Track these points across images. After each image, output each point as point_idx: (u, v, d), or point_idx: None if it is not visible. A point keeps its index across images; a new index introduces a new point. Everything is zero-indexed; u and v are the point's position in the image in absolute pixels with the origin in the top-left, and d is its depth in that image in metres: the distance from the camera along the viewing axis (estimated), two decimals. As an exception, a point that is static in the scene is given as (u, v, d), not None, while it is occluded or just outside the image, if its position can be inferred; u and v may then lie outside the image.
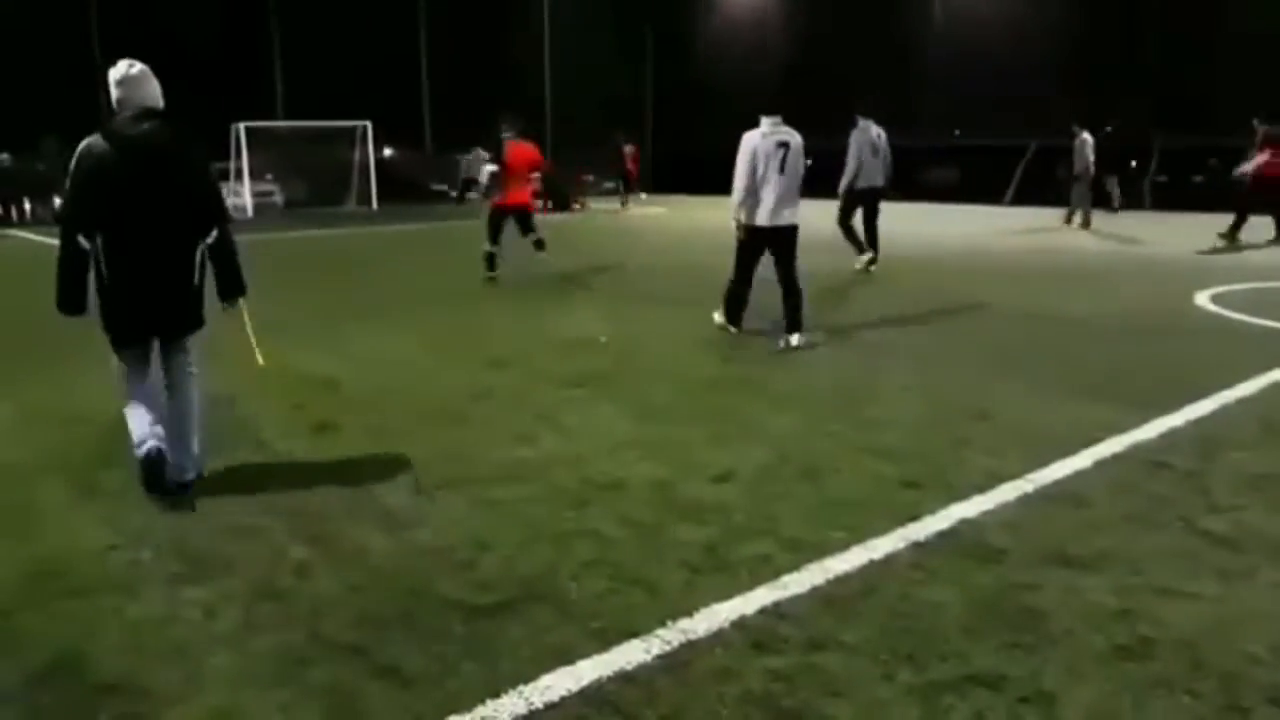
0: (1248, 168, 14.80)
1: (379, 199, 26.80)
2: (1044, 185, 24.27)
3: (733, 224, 7.75)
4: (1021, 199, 24.65)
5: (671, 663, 2.97)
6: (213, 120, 24.31)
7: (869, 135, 11.92)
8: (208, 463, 4.76)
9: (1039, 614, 3.24)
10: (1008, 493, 4.38)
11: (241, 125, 24.58)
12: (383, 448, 5.18)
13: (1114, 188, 21.71)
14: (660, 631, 3.14)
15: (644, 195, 29.67)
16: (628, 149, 27.64)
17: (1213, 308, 9.28)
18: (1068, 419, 5.50)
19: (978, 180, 25.42)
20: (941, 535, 3.91)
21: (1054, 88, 24.08)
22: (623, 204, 26.49)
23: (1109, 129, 26.59)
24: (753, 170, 7.46)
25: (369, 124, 26.67)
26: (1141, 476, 4.57)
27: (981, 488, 4.43)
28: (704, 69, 33.31)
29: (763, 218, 7.54)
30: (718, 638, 3.11)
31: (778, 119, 7.62)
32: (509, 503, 4.33)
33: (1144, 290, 10.54)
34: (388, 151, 29.84)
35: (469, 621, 3.24)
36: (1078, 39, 24.71)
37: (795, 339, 7.62)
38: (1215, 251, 14.42)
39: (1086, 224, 18.34)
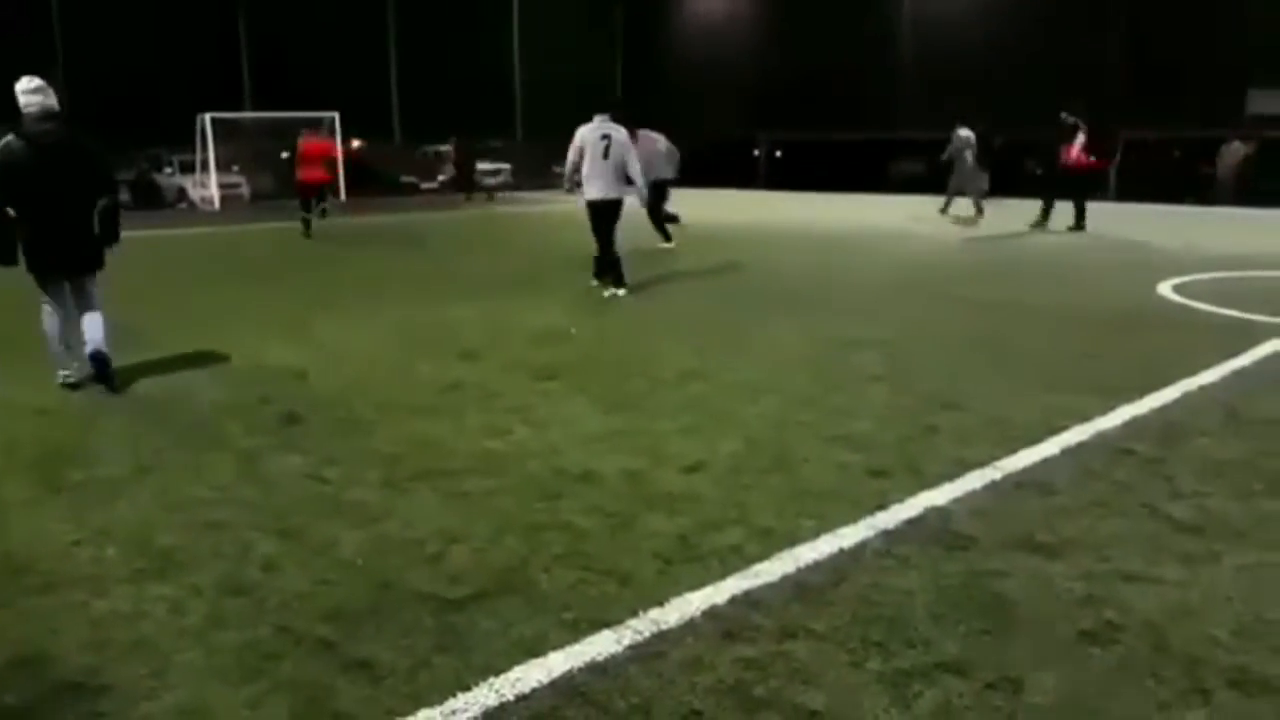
0: (1072, 156, 16.43)
1: (347, 191, 26.56)
2: (1012, 178, 24.45)
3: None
4: (989, 191, 24.77)
5: (643, 653, 2.97)
6: (178, 111, 24.07)
7: (646, 135, 13.77)
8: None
9: (1007, 601, 3.27)
10: (975, 481, 4.41)
11: (207, 116, 24.27)
12: (351, 440, 5.14)
13: (982, 184, 23.12)
14: (632, 622, 3.14)
15: None
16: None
17: (1176, 298, 9.41)
18: (1035, 408, 5.56)
19: (947, 172, 25.50)
20: (910, 523, 3.94)
21: (1023, 81, 24.27)
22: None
23: (1069, 119, 26.76)
24: (578, 155, 9.63)
25: (336, 115, 26.42)
26: (1107, 464, 4.62)
27: (950, 476, 4.47)
28: (674, 62, 33.28)
29: (590, 194, 9.71)
30: (689, 627, 3.12)
31: (606, 116, 9.67)
32: (479, 495, 4.31)
33: (1109, 280, 10.66)
34: (356, 143, 29.60)
35: (439, 614, 3.23)
36: (1048, 33, 24.92)
37: (620, 291, 9.80)
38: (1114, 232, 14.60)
39: (944, 207, 19.43)
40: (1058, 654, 2.94)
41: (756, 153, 26.09)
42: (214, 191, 24.63)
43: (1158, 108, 23.53)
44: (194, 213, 23.95)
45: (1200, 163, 22.73)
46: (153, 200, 25.10)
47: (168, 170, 25.73)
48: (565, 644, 3.02)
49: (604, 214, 9.72)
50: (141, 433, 5.35)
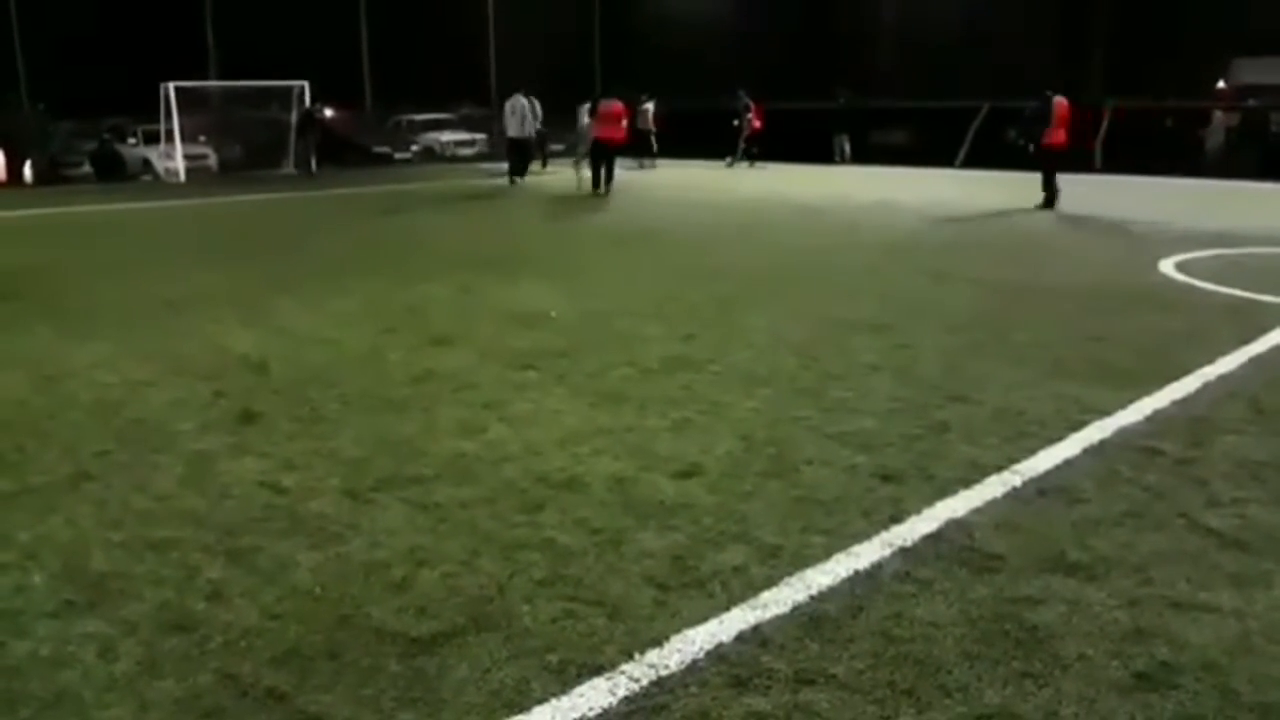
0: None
1: (318, 161, 25.82)
2: (997, 148, 24.08)
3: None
4: (973, 162, 24.46)
5: (642, 706, 2.59)
6: (142, 80, 23.25)
7: (510, 104, 20.91)
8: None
9: (1047, 634, 2.91)
10: (995, 487, 4.06)
11: (171, 85, 23.43)
12: (312, 441, 4.71)
13: (845, 145, 26.41)
14: (627, 666, 2.76)
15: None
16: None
17: (1180, 277, 9.06)
18: (1048, 400, 5.21)
19: (930, 142, 25.11)
20: (929, 539, 3.57)
21: (1009, 50, 23.89)
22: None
23: (1047, 93, 26.46)
24: (512, 112, 20.46)
25: (306, 84, 25.64)
26: (1133, 466, 4.27)
27: (966, 481, 4.11)
28: (653, 29, 32.63)
29: (511, 134, 20.66)
30: (693, 672, 2.74)
31: (521, 92, 20.45)
32: (452, 506, 3.91)
33: (1109, 258, 10.33)
34: (327, 112, 28.81)
35: (406, 657, 2.83)
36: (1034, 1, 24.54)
37: (514, 180, 20.36)
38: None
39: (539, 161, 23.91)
40: (1111, 702, 2.59)
41: (736, 122, 25.55)
42: (179, 163, 23.84)
43: (1143, 77, 23.22)
44: (159, 185, 23.19)
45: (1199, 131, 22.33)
46: (115, 172, 24.30)
47: (131, 141, 24.88)
48: (552, 694, 2.64)
49: (521, 145, 20.62)
50: (84, 433, 4.90)
